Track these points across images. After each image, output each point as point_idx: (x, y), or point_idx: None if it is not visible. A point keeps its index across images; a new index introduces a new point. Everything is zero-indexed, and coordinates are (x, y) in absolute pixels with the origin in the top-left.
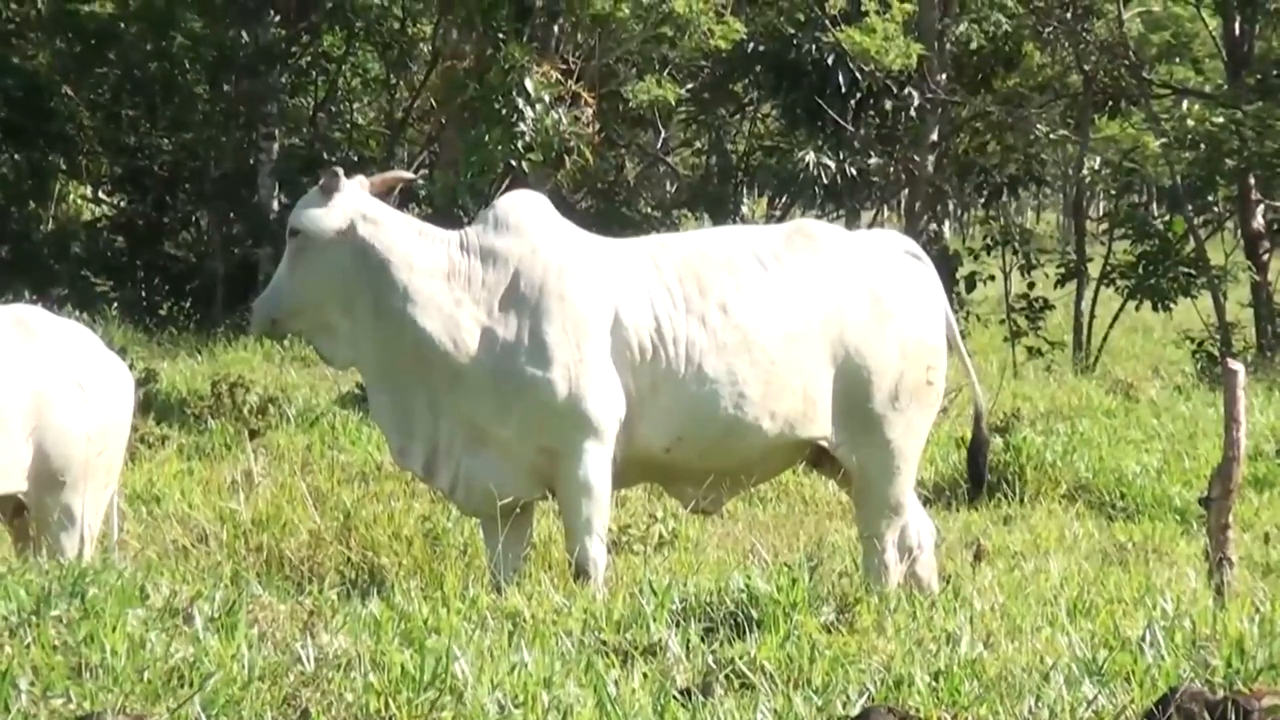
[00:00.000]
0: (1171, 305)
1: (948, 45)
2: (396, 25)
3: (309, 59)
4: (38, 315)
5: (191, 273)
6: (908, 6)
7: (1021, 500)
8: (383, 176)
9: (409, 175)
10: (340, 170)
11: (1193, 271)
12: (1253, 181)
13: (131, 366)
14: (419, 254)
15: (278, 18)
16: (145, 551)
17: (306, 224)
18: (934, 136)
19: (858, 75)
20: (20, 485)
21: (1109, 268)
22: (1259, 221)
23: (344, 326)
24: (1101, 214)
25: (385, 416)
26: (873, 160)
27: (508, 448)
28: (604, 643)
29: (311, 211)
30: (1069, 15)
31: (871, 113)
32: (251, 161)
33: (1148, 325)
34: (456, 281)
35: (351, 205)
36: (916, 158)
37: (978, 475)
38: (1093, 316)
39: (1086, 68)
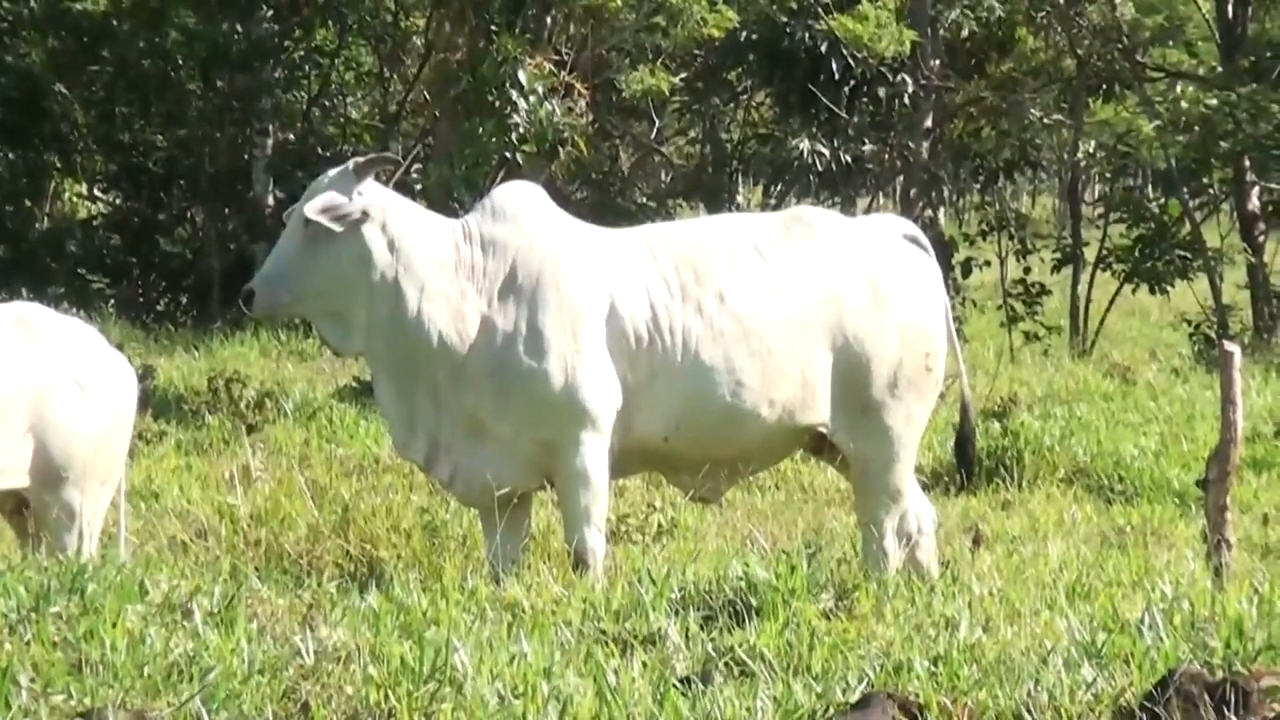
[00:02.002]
0: (1168, 288)
1: (940, 31)
2: (389, 19)
3: (302, 54)
4: (39, 313)
5: (187, 269)
6: None
7: (1020, 485)
8: (367, 159)
9: (392, 157)
10: (389, 154)
11: (1189, 254)
12: (1248, 163)
13: (129, 363)
14: (433, 244)
15: (270, 13)
16: (144, 547)
17: (344, 211)
18: (928, 123)
19: (851, 62)
20: (21, 482)
21: (1105, 251)
22: (1254, 203)
23: (359, 315)
24: (1097, 198)
25: (391, 409)
26: (867, 147)
27: (506, 440)
28: (603, 632)
29: (346, 198)
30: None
31: (865, 100)
32: (246, 157)
33: (1144, 308)
34: (462, 272)
35: (382, 192)
36: (911, 144)
37: (966, 465)
38: (1089, 300)
39: (1080, 52)
